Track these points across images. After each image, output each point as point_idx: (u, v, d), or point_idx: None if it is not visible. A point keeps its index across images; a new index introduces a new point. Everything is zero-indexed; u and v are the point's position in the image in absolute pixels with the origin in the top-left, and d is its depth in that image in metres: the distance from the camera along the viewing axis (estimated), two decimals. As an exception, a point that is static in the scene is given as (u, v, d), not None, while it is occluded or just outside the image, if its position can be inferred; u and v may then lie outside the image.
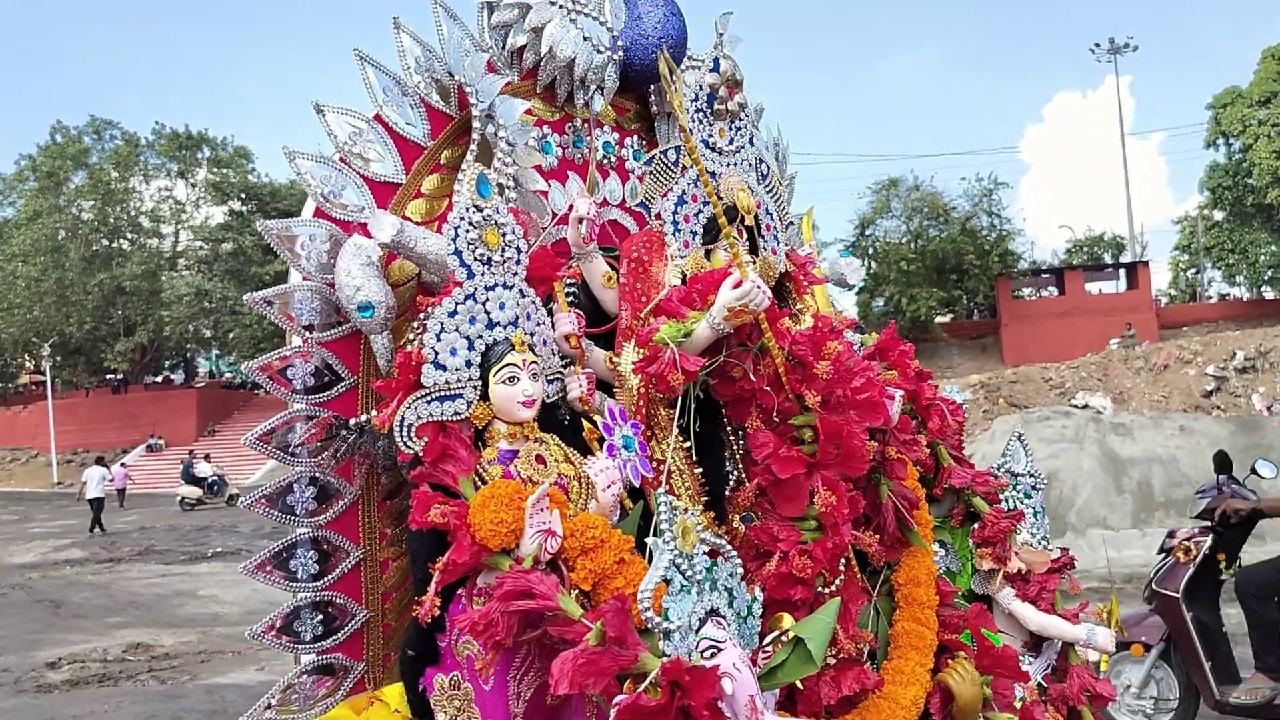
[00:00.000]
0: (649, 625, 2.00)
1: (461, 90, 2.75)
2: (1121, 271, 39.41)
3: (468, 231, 2.36)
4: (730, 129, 3.00)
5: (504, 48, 2.93)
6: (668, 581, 2.06)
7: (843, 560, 2.73)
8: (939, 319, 36.86)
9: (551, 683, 1.94)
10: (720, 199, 2.93)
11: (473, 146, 2.76)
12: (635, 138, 3.31)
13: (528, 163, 2.85)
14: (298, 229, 2.46)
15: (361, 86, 2.62)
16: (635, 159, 3.29)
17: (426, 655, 2.33)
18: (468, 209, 2.37)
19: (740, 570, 2.20)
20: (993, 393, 27.03)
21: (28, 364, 44.57)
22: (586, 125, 3.09)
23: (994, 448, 15.47)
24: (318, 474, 2.49)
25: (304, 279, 2.49)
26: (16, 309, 36.97)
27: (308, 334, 2.49)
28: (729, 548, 2.21)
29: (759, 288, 2.47)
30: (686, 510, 2.15)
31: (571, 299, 2.71)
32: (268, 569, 2.43)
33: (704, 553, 2.13)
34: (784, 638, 2.28)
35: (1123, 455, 14.35)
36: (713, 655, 2.06)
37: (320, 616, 2.49)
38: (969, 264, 35.62)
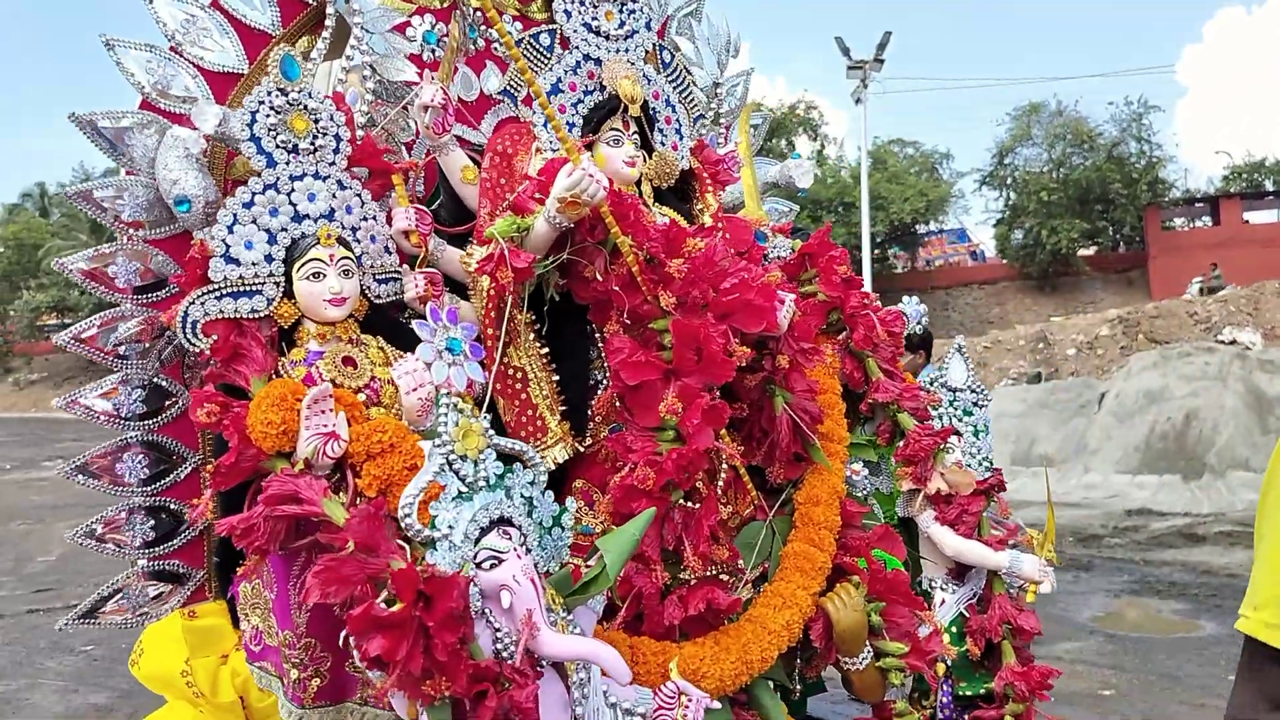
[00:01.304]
0: (409, 533, 1.85)
1: (317, -25, 2.59)
2: (1285, 199, 36.42)
3: (267, 116, 2.22)
4: (620, 11, 2.76)
5: (375, -74, 2.75)
6: (449, 489, 1.92)
7: (719, 476, 2.52)
8: (1082, 252, 34.94)
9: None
10: (602, 88, 2.71)
11: (325, 35, 2.60)
12: (545, 25, 3.08)
13: (392, 50, 2.68)
14: (115, 120, 2.36)
15: None
16: (549, 52, 3.06)
17: (232, 562, 2.25)
18: (269, 92, 2.23)
19: (544, 478, 2.04)
20: (1131, 328, 25.46)
21: None
22: (479, 14, 2.88)
23: (1129, 385, 14.66)
24: (146, 377, 2.42)
25: (128, 174, 2.40)
26: None
27: (134, 232, 2.40)
28: (533, 454, 2.04)
29: (592, 176, 2.25)
30: (472, 413, 1.99)
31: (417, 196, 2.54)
32: (93, 471, 2.38)
33: (494, 458, 1.97)
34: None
35: (1270, 393, 13.41)
36: (492, 567, 1.90)
37: (152, 522, 2.43)
38: (1115, 193, 33.51)
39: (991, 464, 2.94)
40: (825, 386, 2.87)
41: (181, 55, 2.46)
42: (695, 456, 2.30)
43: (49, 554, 10.23)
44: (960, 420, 2.99)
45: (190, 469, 2.48)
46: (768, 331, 2.50)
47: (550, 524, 2.04)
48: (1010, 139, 34.94)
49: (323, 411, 2.02)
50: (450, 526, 1.89)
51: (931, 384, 3.05)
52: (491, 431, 2.04)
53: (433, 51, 2.84)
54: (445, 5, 2.87)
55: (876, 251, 32.62)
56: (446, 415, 1.96)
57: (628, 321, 2.42)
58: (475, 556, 1.89)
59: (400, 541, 1.87)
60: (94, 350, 2.35)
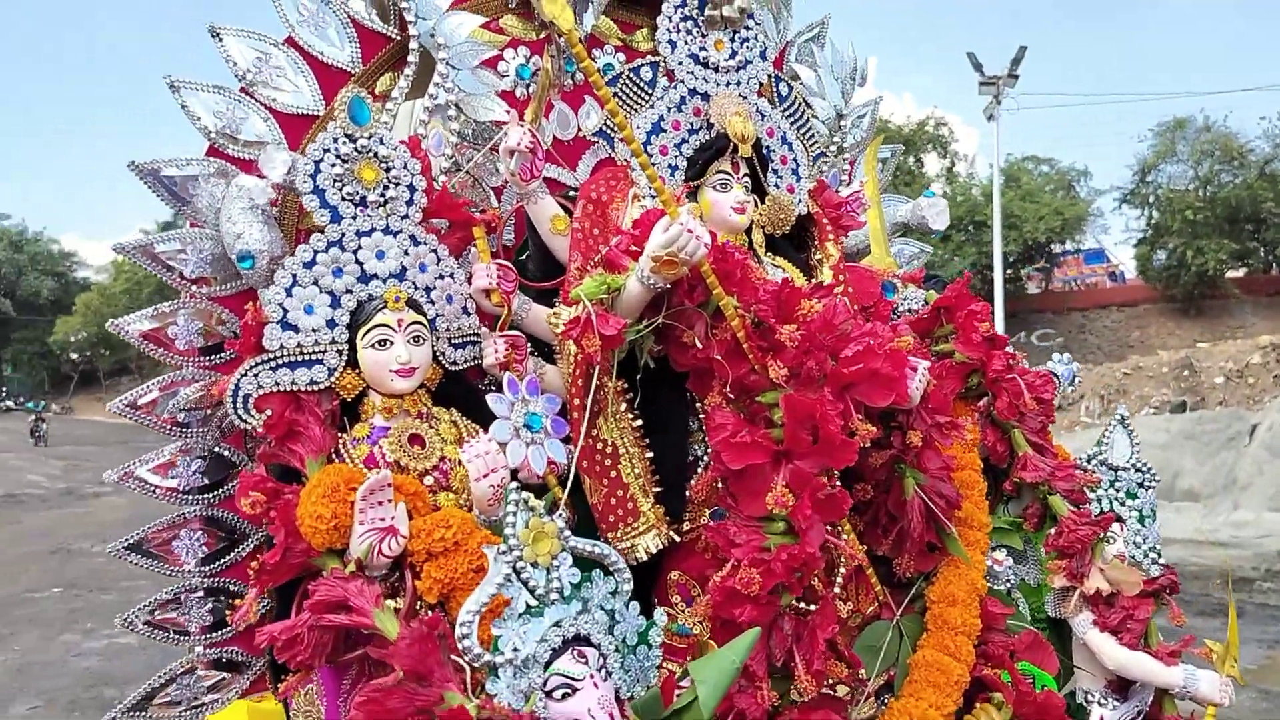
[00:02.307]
0: (467, 657, 1.59)
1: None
2: None
3: (332, 166, 1.99)
4: (731, 40, 2.46)
5: (465, -45, 2.53)
6: (515, 603, 1.66)
7: (838, 571, 2.20)
8: (1230, 273, 32.88)
9: (350, 720, 1.59)
10: (709, 126, 2.41)
11: (408, 73, 2.38)
12: (650, 57, 2.80)
13: (480, 87, 2.44)
14: (180, 168, 2.18)
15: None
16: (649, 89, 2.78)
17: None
18: (334, 139, 2.00)
19: (628, 586, 1.75)
20: (1287, 357, 23.82)
21: None
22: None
23: (1284, 417, 13.66)
24: (207, 446, 2.22)
25: (193, 225, 2.21)
26: None
27: (198, 289, 2.21)
28: (616, 558, 1.76)
29: (691, 231, 1.96)
30: (549, 510, 1.72)
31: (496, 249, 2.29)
32: (148, 551, 2.19)
33: (569, 564, 1.70)
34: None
35: None
36: (565, 697, 1.63)
37: (211, 604, 2.23)
38: (1268, 212, 31.39)
39: (1160, 557, 2.52)
40: (963, 462, 2.51)
41: (253, 96, 2.27)
42: (809, 557, 1.98)
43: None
44: (1123, 504, 2.57)
45: (253, 547, 2.28)
46: (897, 404, 2.16)
47: (635, 641, 1.75)
48: (1153, 155, 33.15)
49: (380, 503, 1.78)
50: (516, 649, 1.62)
51: (1089, 461, 2.64)
52: (568, 533, 1.77)
53: (526, 87, 2.60)
54: (541, 36, 2.62)
55: (1009, 272, 31.37)
56: (515, 515, 1.70)
57: (731, 394, 2.11)
58: (545, 684, 1.62)
59: (459, 662, 1.61)
60: (151, 419, 2.16)
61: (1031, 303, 34.21)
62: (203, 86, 2.23)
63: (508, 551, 1.62)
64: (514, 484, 1.85)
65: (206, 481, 2.23)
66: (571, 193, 2.58)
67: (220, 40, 2.25)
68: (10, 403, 44.93)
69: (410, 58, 2.37)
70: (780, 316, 2.07)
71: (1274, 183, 31.57)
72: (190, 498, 2.22)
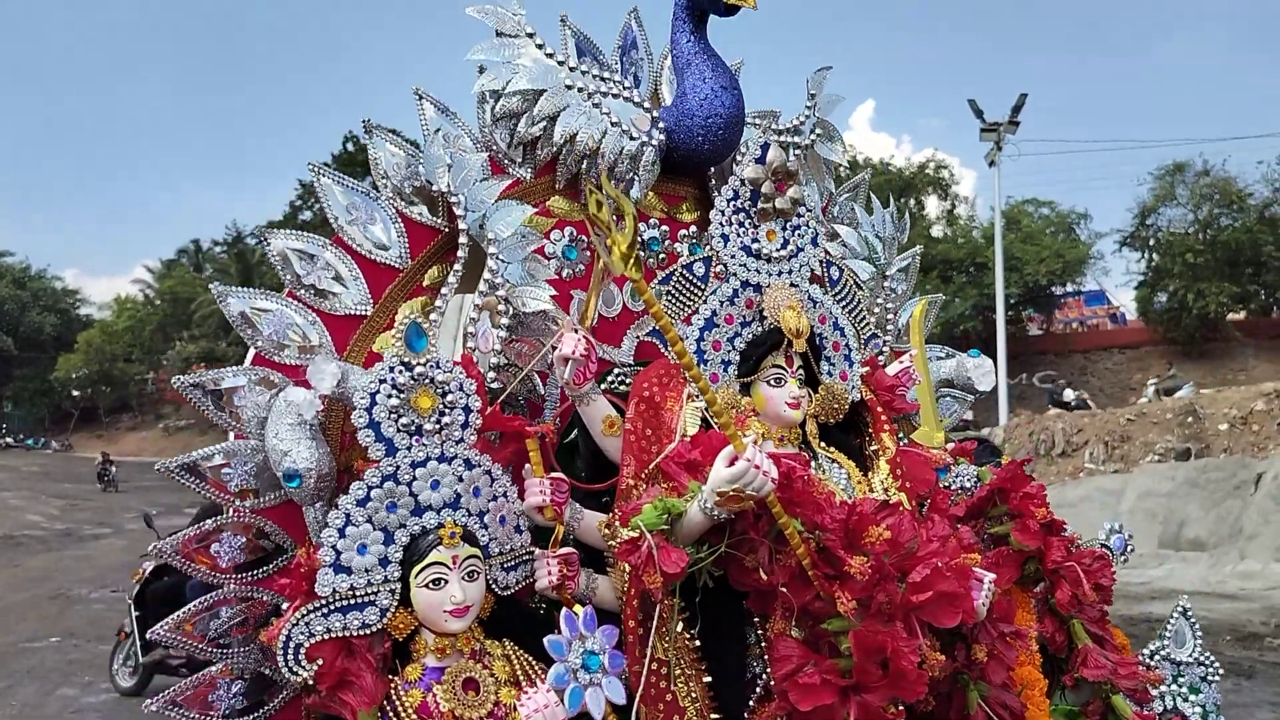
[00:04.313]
0: None
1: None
2: None
3: (389, 398, 1.93)
4: (783, 229, 2.41)
5: (512, 143, 2.48)
6: None
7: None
8: (1231, 316, 32.89)
9: None
10: (761, 318, 2.36)
11: (457, 267, 2.33)
12: (693, 229, 2.77)
13: (528, 278, 2.40)
14: (228, 380, 2.12)
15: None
16: (694, 252, 2.74)
17: None
18: (391, 368, 1.95)
19: None
20: (1292, 404, 23.74)
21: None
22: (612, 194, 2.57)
23: (1288, 467, 13.49)
24: (248, 666, 2.15)
25: (237, 437, 2.16)
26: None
27: (241, 503, 2.15)
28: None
29: (759, 467, 1.90)
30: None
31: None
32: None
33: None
34: None
35: None
36: None
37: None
38: (1268, 256, 31.47)
39: (1225, 758, 2.45)
40: (1021, 659, 2.44)
41: (299, 300, 2.22)
42: (881, 799, 1.90)
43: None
44: (1187, 700, 2.50)
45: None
46: (964, 621, 2.10)
47: None
48: (1153, 199, 33.23)
49: (440, 771, 1.70)
50: None
51: (1152, 656, 2.57)
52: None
53: (572, 267, 2.55)
54: (583, 217, 2.58)
55: (1010, 313, 31.37)
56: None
57: (796, 622, 2.04)
58: None
59: None
60: (194, 645, 2.09)
61: (1033, 345, 34.18)
62: (249, 294, 2.18)
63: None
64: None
65: (247, 704, 2.16)
66: (619, 373, 2.53)
67: (269, 244, 2.21)
68: (10, 439, 44.78)
69: (460, 252, 2.33)
70: (848, 545, 2.01)
71: (1274, 226, 31.65)
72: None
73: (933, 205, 35.74)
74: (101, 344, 44.50)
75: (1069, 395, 25.00)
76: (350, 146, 38.38)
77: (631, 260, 1.87)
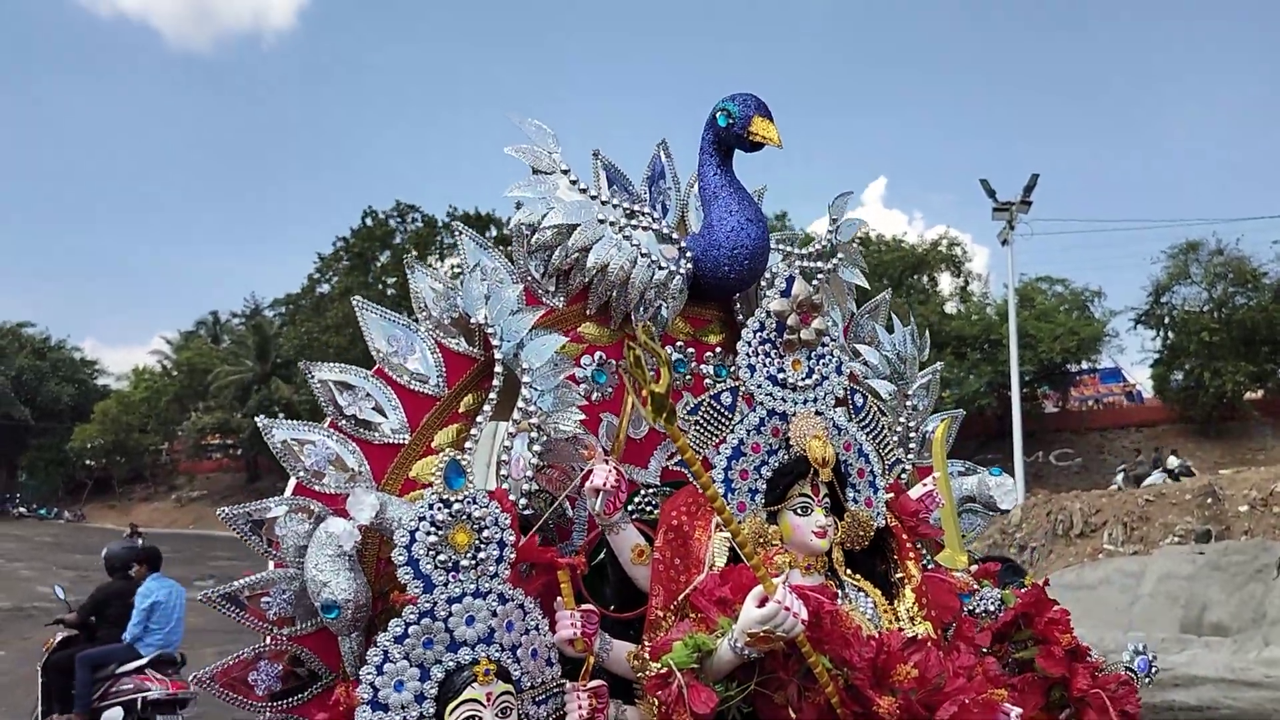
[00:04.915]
0: None
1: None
2: None
3: (428, 534, 1.99)
4: (808, 359, 2.48)
5: (546, 272, 2.58)
6: None
7: None
8: (1249, 395, 32.75)
9: None
10: (788, 446, 2.42)
11: (492, 395, 2.40)
12: (719, 350, 2.84)
13: (561, 404, 2.47)
14: (272, 510, 2.18)
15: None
16: (719, 374, 2.81)
17: None
18: (431, 505, 2.01)
19: None
20: (1314, 483, 23.48)
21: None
22: (649, 348, 2.66)
23: (1313, 544, 13.29)
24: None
25: (276, 565, 2.21)
26: (327, 377, 40.60)
27: (281, 632, 2.19)
28: None
29: (789, 609, 1.94)
30: None
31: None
32: None
33: None
34: None
35: None
36: None
37: None
38: (1284, 334, 31.49)
39: None
40: (1048, 790, 2.45)
41: (341, 431, 2.29)
42: None
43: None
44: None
45: None
46: (990, 758, 2.11)
47: None
48: (1167, 277, 33.34)
49: None
50: None
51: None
52: None
53: (601, 391, 2.62)
54: (616, 341, 2.66)
55: (1025, 390, 31.31)
56: None
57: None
58: None
59: None
60: None
61: (1049, 422, 34.04)
62: (294, 426, 2.25)
63: None
64: None
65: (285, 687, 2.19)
66: (645, 493, 2.58)
67: (312, 375, 2.28)
68: (23, 509, 44.87)
69: (495, 380, 2.40)
70: (877, 683, 2.04)
71: (1289, 305, 31.66)
72: None
73: (946, 281, 35.94)
74: (118, 414, 44.70)
75: (1173, 463, 23.89)
76: (369, 221, 39.10)
77: (665, 413, 1.93)
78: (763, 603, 1.95)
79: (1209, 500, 21.56)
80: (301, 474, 2.24)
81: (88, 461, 48.55)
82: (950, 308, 34.67)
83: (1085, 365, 35.70)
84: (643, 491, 2.62)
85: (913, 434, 3.10)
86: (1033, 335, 31.71)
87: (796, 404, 2.46)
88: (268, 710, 2.17)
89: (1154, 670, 2.87)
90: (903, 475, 2.92)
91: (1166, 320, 33.64)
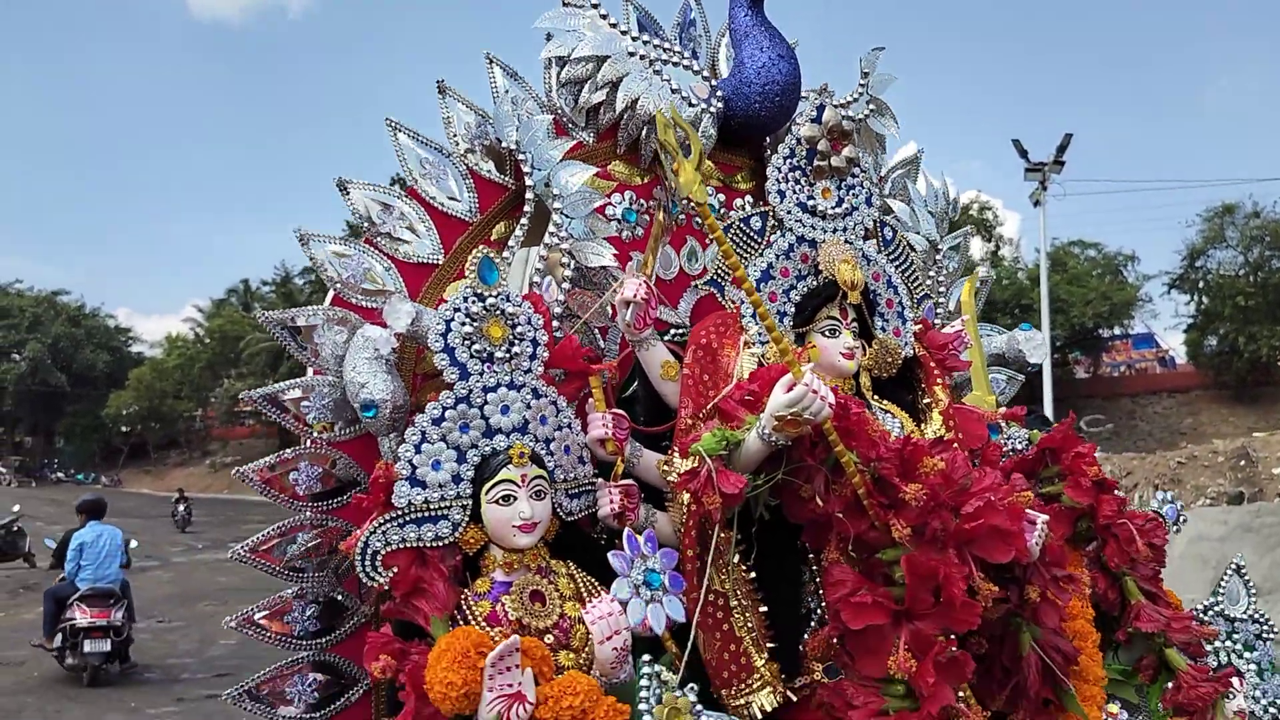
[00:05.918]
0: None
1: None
2: None
3: (463, 325, 2.04)
4: (838, 188, 2.50)
5: (576, 107, 2.60)
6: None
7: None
8: (1284, 360, 32.33)
9: None
10: (817, 272, 2.44)
11: (523, 221, 2.44)
12: (749, 197, 2.85)
13: (591, 234, 2.50)
14: (308, 319, 2.24)
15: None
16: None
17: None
18: (465, 298, 2.05)
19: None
20: (1345, 450, 23.20)
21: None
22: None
23: (1340, 518, 13.19)
24: (323, 591, 2.24)
25: (316, 373, 2.26)
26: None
27: (321, 436, 2.25)
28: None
29: (816, 392, 1.97)
30: (678, 686, 1.71)
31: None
32: (261, 697, 2.20)
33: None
34: None
35: None
36: None
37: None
38: (1322, 299, 31.00)
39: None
40: (1075, 611, 2.47)
41: (376, 247, 2.34)
42: (933, 721, 1.94)
43: (230, 638, 10.40)
44: (1241, 657, 2.51)
45: (362, 691, 2.28)
46: (1017, 559, 2.13)
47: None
48: (1202, 241, 32.85)
49: (508, 669, 1.77)
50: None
51: (1205, 611, 2.58)
52: (700, 707, 1.75)
53: (632, 230, 2.65)
54: (646, 181, 2.69)
55: (1056, 356, 31.05)
56: (649, 690, 1.69)
57: (850, 550, 2.10)
58: None
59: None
60: (269, 566, 2.19)
61: (1080, 389, 33.74)
62: (329, 238, 2.30)
63: (646, 729, 1.61)
64: (646, 656, 1.85)
65: (320, 626, 2.25)
66: (675, 333, 2.62)
67: (347, 194, 2.33)
68: (61, 474, 45.63)
69: (526, 207, 2.44)
70: (903, 474, 2.06)
71: (1327, 269, 31.18)
72: (304, 643, 2.23)
73: (976, 246, 35.59)
74: (152, 381, 45.30)
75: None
76: (399, 188, 38.94)
77: (697, 185, 1.96)
78: (790, 388, 1.98)
79: (1242, 463, 21.36)
80: (339, 286, 2.29)
81: (123, 428, 49.30)
82: (981, 272, 34.36)
83: (1118, 330, 35.33)
84: (672, 332, 2.65)
85: (943, 290, 3.11)
86: (1065, 300, 31.38)
87: (826, 232, 2.48)
88: (308, 509, 2.23)
89: (1182, 518, 2.88)
90: (935, 319, 2.92)
91: (1201, 285, 33.19)
